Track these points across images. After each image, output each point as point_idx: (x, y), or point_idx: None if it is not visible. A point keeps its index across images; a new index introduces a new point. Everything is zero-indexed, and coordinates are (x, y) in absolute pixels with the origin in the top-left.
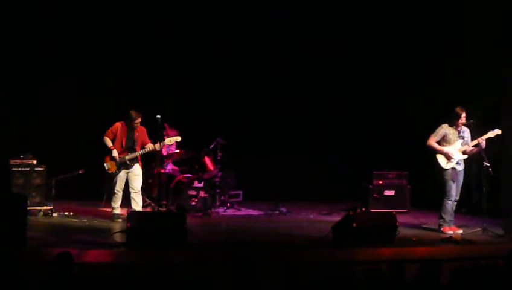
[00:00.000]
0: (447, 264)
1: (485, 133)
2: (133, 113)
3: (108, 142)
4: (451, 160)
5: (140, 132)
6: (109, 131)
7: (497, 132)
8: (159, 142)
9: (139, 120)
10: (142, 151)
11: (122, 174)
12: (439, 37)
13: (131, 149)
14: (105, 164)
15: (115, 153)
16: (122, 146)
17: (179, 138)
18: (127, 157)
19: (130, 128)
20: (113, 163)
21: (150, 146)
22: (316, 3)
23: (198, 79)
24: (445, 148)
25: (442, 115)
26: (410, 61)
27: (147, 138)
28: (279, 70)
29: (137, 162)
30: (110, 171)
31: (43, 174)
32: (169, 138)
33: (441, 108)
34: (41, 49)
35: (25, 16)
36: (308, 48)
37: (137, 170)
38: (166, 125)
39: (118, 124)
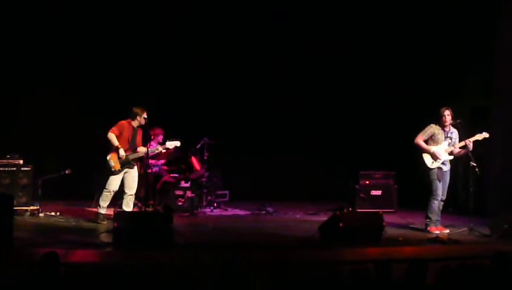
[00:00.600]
0: (434, 264)
1: (473, 134)
2: (139, 109)
3: (115, 139)
4: (437, 160)
5: (140, 133)
6: (115, 128)
7: (485, 135)
8: (159, 145)
9: (145, 114)
10: (142, 153)
11: (120, 174)
12: (430, 37)
13: (134, 149)
14: (110, 161)
15: (122, 152)
16: (128, 145)
17: (178, 143)
18: (130, 157)
19: (134, 128)
20: (118, 161)
21: (143, 149)
22: (316, 3)
23: (186, 79)
24: (432, 148)
25: (430, 114)
26: (401, 61)
27: (141, 141)
28: (265, 71)
29: (136, 163)
30: (113, 169)
31: (30, 174)
32: (170, 142)
33: (429, 108)
34: (30, 49)
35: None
36: (294, 46)
37: (135, 171)
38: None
39: (124, 122)
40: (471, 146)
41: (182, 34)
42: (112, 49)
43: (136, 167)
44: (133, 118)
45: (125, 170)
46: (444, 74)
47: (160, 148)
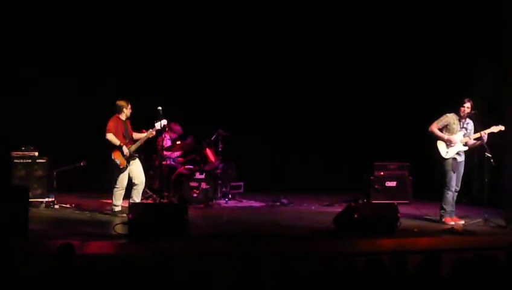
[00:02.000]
0: (449, 255)
1: (487, 126)
2: (123, 102)
3: (115, 138)
4: (452, 147)
5: (129, 124)
6: (110, 127)
7: (501, 127)
8: (150, 129)
9: (129, 105)
10: (142, 141)
11: (127, 170)
12: (442, 28)
13: (131, 140)
14: (116, 160)
15: (126, 149)
16: (124, 139)
17: (165, 121)
18: (132, 149)
19: (124, 121)
20: (123, 158)
21: (144, 135)
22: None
23: (200, 71)
24: (446, 136)
25: (444, 106)
26: (411, 52)
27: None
28: (280, 62)
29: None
30: (121, 167)
31: (45, 166)
32: (157, 123)
33: (442, 99)
34: (42, 41)
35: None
36: (307, 38)
37: (138, 161)
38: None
39: (114, 118)
40: (485, 138)
41: (183, 25)
42: (128, 40)
43: (137, 158)
44: (120, 112)
45: (130, 163)
46: (458, 65)
47: (150, 133)
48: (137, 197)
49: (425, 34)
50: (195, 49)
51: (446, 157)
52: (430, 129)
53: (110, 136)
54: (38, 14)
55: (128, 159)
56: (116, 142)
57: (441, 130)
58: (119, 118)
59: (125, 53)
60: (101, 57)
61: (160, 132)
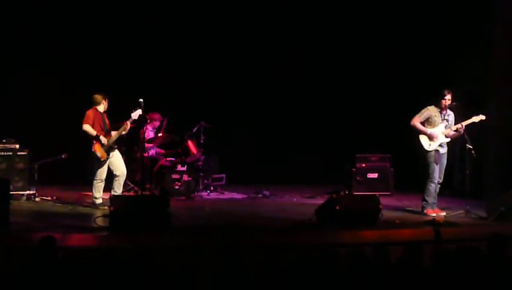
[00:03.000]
0: (430, 247)
1: (468, 117)
2: (101, 95)
3: (92, 129)
4: (434, 140)
5: (106, 116)
6: (88, 119)
7: (482, 117)
8: (126, 121)
9: (107, 100)
10: (120, 132)
11: (107, 162)
12: (423, 20)
13: (109, 133)
14: (97, 153)
15: (104, 139)
16: (102, 131)
17: (140, 111)
18: (111, 141)
19: (101, 113)
20: (102, 150)
21: (121, 128)
22: None
23: (182, 62)
24: (429, 130)
25: (425, 98)
26: (394, 44)
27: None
28: (261, 53)
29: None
30: (102, 159)
31: (26, 158)
32: (133, 113)
33: (424, 91)
34: (20, 32)
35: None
36: (288, 28)
37: (118, 153)
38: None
39: (91, 111)
40: (462, 130)
41: (166, 18)
42: (108, 31)
43: (117, 149)
44: (97, 104)
45: (110, 154)
46: (439, 56)
47: (127, 126)
48: (118, 188)
49: (406, 26)
50: (177, 40)
51: (429, 149)
52: (412, 123)
53: (87, 127)
54: (15, 8)
55: (108, 151)
56: (93, 132)
57: (422, 123)
58: (97, 110)
59: (105, 46)
60: (80, 50)
61: (140, 123)
